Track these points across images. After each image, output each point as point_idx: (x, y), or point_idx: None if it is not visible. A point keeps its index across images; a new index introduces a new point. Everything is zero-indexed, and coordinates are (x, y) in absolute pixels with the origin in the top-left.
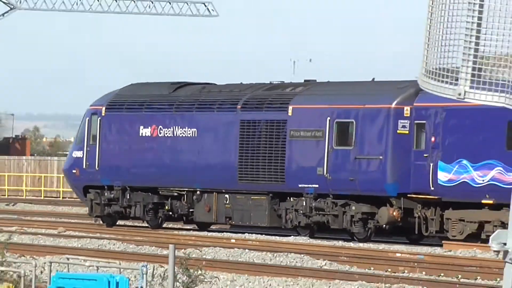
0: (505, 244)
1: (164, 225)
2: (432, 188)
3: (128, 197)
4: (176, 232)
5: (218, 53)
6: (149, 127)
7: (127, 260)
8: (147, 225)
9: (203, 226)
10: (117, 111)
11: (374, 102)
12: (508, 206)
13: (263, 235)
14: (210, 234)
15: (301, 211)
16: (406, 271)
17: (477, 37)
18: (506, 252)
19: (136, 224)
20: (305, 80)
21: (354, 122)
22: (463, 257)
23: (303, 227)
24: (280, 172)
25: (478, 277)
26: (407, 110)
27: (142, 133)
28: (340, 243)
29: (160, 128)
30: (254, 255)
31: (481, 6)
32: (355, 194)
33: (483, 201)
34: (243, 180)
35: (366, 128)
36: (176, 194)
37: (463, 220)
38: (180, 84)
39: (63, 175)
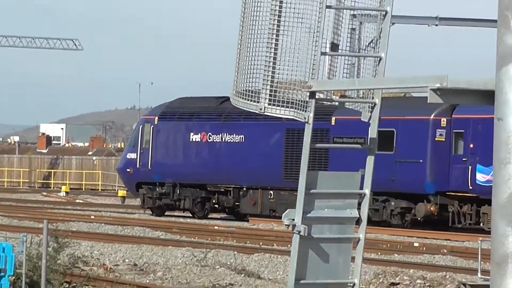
0: (293, 219)
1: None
2: (471, 187)
3: (178, 192)
4: (49, 210)
5: (83, 81)
6: (199, 134)
7: (12, 231)
8: (192, 215)
9: (242, 217)
10: (168, 120)
11: (414, 114)
12: None
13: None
14: (75, 212)
15: None
16: (222, 239)
17: (273, 67)
18: (294, 226)
19: (182, 215)
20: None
21: (395, 131)
22: (264, 229)
23: None
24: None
25: (274, 244)
26: (443, 121)
27: (192, 139)
28: (173, 219)
29: (210, 134)
30: (109, 228)
31: (276, 45)
32: (395, 192)
33: None
34: (288, 179)
35: (406, 136)
36: (223, 190)
37: None
38: (225, 98)
39: None
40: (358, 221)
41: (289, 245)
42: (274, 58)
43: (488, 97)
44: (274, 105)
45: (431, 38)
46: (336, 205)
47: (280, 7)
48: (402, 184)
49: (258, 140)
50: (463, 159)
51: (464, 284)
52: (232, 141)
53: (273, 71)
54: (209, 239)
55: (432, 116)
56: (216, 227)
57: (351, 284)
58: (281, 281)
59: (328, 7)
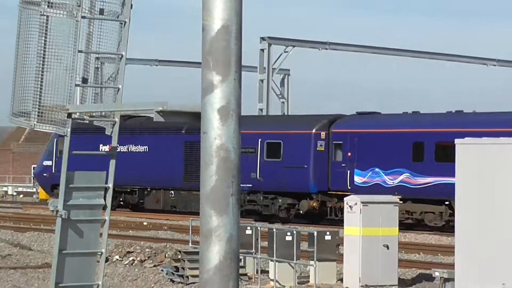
0: (57, 206)
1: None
2: (349, 187)
3: None
4: None
5: None
6: (108, 146)
7: None
8: None
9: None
10: (79, 135)
11: (298, 129)
12: (412, 200)
13: None
14: None
15: None
16: (1, 222)
17: (40, 95)
18: (57, 211)
19: None
20: None
21: (282, 142)
22: (34, 214)
23: None
24: None
25: (42, 224)
26: (323, 135)
27: (102, 149)
28: None
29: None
30: None
31: (42, 79)
32: (283, 191)
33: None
34: (187, 181)
35: (291, 146)
36: (128, 190)
37: None
38: (128, 116)
39: None
40: (105, 207)
41: (52, 225)
42: (40, 89)
43: (197, 117)
44: (42, 122)
45: (158, 74)
46: (88, 196)
47: (44, 51)
48: (289, 185)
49: (161, 150)
50: (342, 165)
51: (180, 251)
52: (139, 151)
53: (40, 98)
54: None
55: (313, 131)
56: None
57: (100, 253)
58: (47, 252)
59: (80, 51)
